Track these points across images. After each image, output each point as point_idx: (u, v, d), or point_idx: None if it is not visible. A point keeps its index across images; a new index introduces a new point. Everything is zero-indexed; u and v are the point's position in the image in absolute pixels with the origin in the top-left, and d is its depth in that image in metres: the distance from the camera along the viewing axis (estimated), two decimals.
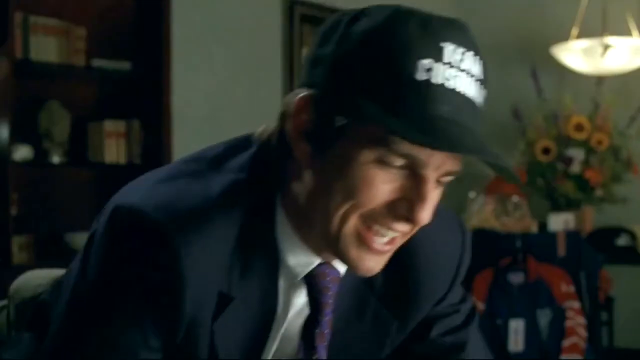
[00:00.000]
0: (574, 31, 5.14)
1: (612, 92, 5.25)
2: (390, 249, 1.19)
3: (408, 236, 1.20)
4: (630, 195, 5.21)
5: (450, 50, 1.10)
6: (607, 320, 5.11)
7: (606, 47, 4.79)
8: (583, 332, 4.23)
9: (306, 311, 1.29)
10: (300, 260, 1.25)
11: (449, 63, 1.09)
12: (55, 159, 3.99)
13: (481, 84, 1.15)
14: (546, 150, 5.21)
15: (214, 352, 1.22)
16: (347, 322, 1.33)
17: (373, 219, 1.13)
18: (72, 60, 4.01)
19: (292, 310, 1.30)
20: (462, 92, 1.10)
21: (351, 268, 1.20)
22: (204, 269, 1.15)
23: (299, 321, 1.30)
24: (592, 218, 5.24)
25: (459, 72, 1.10)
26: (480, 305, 4.27)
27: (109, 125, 4.13)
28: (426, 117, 1.07)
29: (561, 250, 4.30)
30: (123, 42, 4.27)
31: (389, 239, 1.17)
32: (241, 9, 4.81)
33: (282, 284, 1.26)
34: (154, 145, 4.20)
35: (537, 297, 4.23)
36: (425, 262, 1.37)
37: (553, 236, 4.39)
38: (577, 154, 5.12)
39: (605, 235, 5.02)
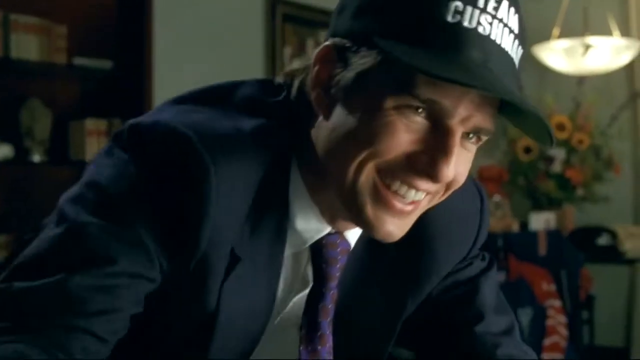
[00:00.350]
0: (555, 31, 5.16)
1: (593, 92, 5.28)
2: (413, 212, 1.10)
3: (433, 201, 1.12)
4: (611, 194, 5.24)
5: None
6: (588, 318, 5.13)
7: (587, 46, 4.81)
8: (564, 331, 4.25)
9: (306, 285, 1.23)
10: (311, 225, 1.18)
11: (483, 8, 1.02)
12: (37, 157, 3.97)
13: (518, 39, 1.07)
14: (527, 150, 5.23)
15: (217, 312, 1.14)
16: (354, 297, 1.26)
17: (391, 173, 1.06)
18: (54, 59, 3.99)
19: (298, 279, 1.23)
20: (496, 41, 1.04)
21: (368, 230, 1.11)
22: (228, 201, 1.08)
23: (305, 293, 1.24)
24: (573, 217, 5.26)
25: (493, 19, 1.03)
26: None
27: (91, 123, 4.11)
28: (455, 58, 1.01)
29: (542, 249, 4.32)
30: (105, 41, 4.26)
31: (410, 200, 1.08)
32: (223, 8, 4.80)
33: (288, 249, 1.19)
34: None
35: (518, 296, 4.25)
36: (442, 234, 1.29)
37: (534, 235, 4.41)
38: (559, 153, 5.14)
39: (586, 235, 5.04)
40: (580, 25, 5.07)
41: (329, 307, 1.23)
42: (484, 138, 1.10)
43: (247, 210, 1.11)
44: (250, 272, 1.14)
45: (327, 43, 1.10)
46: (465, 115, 1.03)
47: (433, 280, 1.32)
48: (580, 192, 5.21)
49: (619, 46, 4.94)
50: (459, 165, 1.07)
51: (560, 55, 5.00)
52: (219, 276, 1.12)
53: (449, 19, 1.01)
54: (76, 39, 4.13)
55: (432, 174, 1.04)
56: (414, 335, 1.38)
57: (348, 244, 1.21)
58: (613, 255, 4.97)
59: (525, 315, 4.24)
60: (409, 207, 1.09)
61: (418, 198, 1.09)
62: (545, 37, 5.21)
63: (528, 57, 5.39)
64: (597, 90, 5.31)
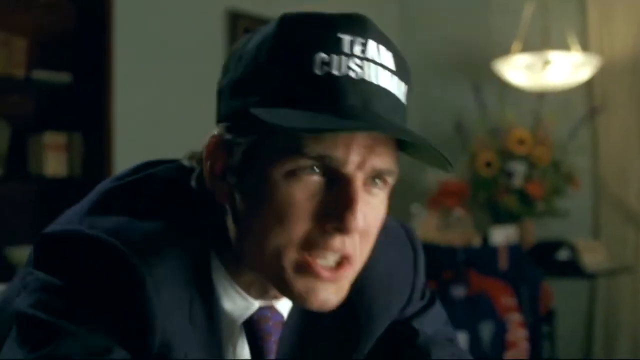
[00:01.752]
0: (516, 46, 5.19)
1: (553, 107, 5.31)
2: (344, 276, 1.07)
3: (360, 257, 1.09)
4: (571, 209, 5.27)
5: (349, 41, 1.03)
6: (549, 332, 5.15)
7: (547, 62, 4.84)
8: (524, 345, 4.26)
9: None
10: (237, 304, 1.16)
11: (349, 54, 1.02)
12: None
13: (397, 75, 1.07)
14: (488, 164, 5.25)
15: None
16: None
17: (307, 242, 1.03)
18: (12, 72, 3.96)
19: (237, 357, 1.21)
20: (372, 82, 1.03)
21: (303, 304, 1.08)
22: (167, 303, 1.06)
23: None
24: (534, 231, 5.29)
25: (363, 61, 1.03)
26: None
27: (50, 137, 4.07)
28: (334, 109, 1.00)
29: (503, 263, 4.34)
30: (64, 54, 4.23)
31: (335, 264, 1.06)
32: (184, 21, 4.78)
33: (223, 331, 1.16)
34: (95, 158, 4.15)
35: (479, 310, 4.26)
36: (377, 293, 1.27)
37: (495, 249, 4.42)
38: (519, 168, 5.17)
39: (546, 249, 5.06)
40: (541, 41, 5.11)
41: None
42: (390, 179, 1.09)
43: (186, 306, 1.09)
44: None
45: (212, 134, 1.10)
46: (359, 160, 1.02)
47: (374, 337, 1.31)
48: (540, 206, 5.24)
49: (578, 62, 4.97)
50: (368, 212, 1.05)
51: (520, 70, 5.03)
52: None
53: (317, 72, 1.01)
54: (35, 52, 4.09)
55: (341, 228, 1.01)
56: None
57: (281, 316, 1.20)
58: (573, 269, 4.99)
59: (486, 329, 4.25)
60: (339, 272, 1.06)
61: (338, 258, 1.06)
62: (506, 52, 5.24)
63: (480, 76, 5.44)
64: (557, 105, 5.35)
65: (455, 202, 5.17)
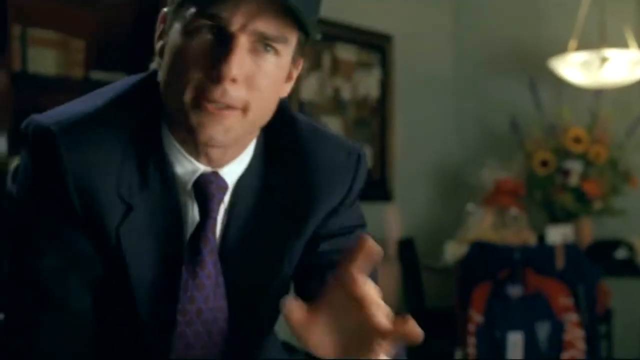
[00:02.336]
0: (572, 44, 5.15)
1: (610, 105, 5.26)
2: (230, 117, 1.25)
3: (252, 111, 1.26)
4: (629, 207, 5.21)
5: None
6: (606, 333, 5.10)
7: (604, 59, 4.79)
8: (582, 345, 4.22)
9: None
10: (186, 168, 1.35)
11: None
12: None
13: None
14: (544, 163, 5.21)
15: (122, 257, 1.33)
16: (244, 232, 1.40)
17: (201, 86, 1.23)
18: (70, 73, 4.01)
19: (192, 221, 1.39)
20: None
21: (196, 136, 1.27)
22: (90, 171, 1.29)
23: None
24: (591, 230, 5.24)
25: None
26: (479, 318, 4.26)
27: None
28: None
29: (560, 262, 4.30)
30: (121, 54, 4.27)
31: (224, 105, 1.23)
32: None
33: (181, 194, 1.37)
34: None
35: (535, 310, 4.23)
36: (321, 178, 1.45)
37: (551, 249, 4.38)
38: (576, 166, 5.12)
39: (603, 248, 5.01)
40: (597, 38, 5.05)
41: (209, 236, 1.37)
42: (282, 48, 1.26)
43: (122, 168, 1.31)
44: (147, 218, 1.34)
45: (163, 9, 1.36)
46: (244, 22, 1.20)
47: (314, 218, 1.47)
48: (597, 205, 5.18)
49: (635, 59, 4.91)
50: (255, 73, 1.24)
51: (577, 68, 4.99)
52: (114, 222, 1.32)
53: None
54: (93, 53, 4.15)
55: (218, 74, 1.21)
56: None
57: (223, 181, 1.37)
58: (631, 268, 4.93)
59: (543, 329, 4.22)
60: (225, 111, 1.24)
61: (230, 102, 1.23)
62: (562, 49, 5.20)
63: (535, 74, 5.40)
64: (614, 103, 5.29)
65: (511, 200, 5.14)
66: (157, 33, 1.35)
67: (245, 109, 1.26)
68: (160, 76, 1.31)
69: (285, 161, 1.42)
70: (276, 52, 1.25)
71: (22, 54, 3.84)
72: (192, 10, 1.22)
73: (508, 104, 5.88)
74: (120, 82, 1.44)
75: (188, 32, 1.23)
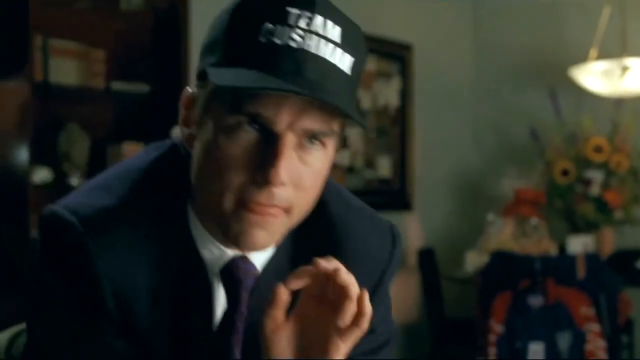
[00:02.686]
0: (593, 52, 5.14)
1: (631, 114, 5.24)
2: (274, 220, 1.18)
3: (295, 211, 1.20)
4: None
5: (295, 15, 1.14)
6: (628, 343, 5.07)
7: (625, 68, 4.77)
8: (603, 355, 4.20)
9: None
10: (214, 253, 1.29)
11: (293, 25, 1.13)
12: (75, 181, 4.00)
13: (340, 47, 1.17)
14: (565, 172, 5.19)
15: (149, 344, 1.27)
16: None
17: (243, 189, 1.15)
18: (91, 83, 4.03)
19: (220, 305, 1.33)
20: (309, 51, 1.14)
21: (237, 245, 1.21)
22: (124, 272, 1.22)
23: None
24: (612, 240, 5.22)
25: (306, 33, 1.14)
26: (499, 328, 4.24)
27: (128, 147, 4.14)
28: (269, 72, 1.12)
29: (581, 272, 4.28)
30: (142, 65, 4.29)
31: (268, 208, 1.17)
32: None
33: (210, 278, 1.30)
34: None
35: (556, 320, 4.21)
36: (351, 260, 1.32)
37: (572, 258, 4.36)
38: (596, 176, 5.10)
39: (625, 258, 4.99)
40: (618, 47, 5.04)
41: (237, 325, 1.32)
42: (328, 140, 1.19)
43: (150, 258, 1.25)
44: (174, 305, 1.28)
45: (186, 88, 1.27)
46: (290, 120, 1.13)
47: None
48: (618, 214, 5.16)
49: None
50: (301, 169, 1.18)
51: (597, 77, 4.97)
52: (146, 317, 1.26)
53: (262, 39, 1.13)
54: (114, 64, 4.17)
55: (266, 180, 1.13)
56: None
57: (253, 267, 1.31)
58: None
59: (564, 339, 4.21)
60: (269, 214, 1.17)
61: (276, 202, 1.17)
62: (583, 58, 5.19)
63: (555, 83, 5.39)
64: (635, 112, 5.27)
65: (531, 210, 5.12)
66: (181, 116, 1.27)
67: (289, 209, 1.19)
68: (193, 171, 1.23)
69: (314, 242, 1.34)
70: (322, 144, 1.18)
71: (43, 65, 3.86)
72: (230, 106, 1.14)
73: (528, 113, 5.87)
74: (139, 160, 1.35)
75: (225, 129, 1.15)
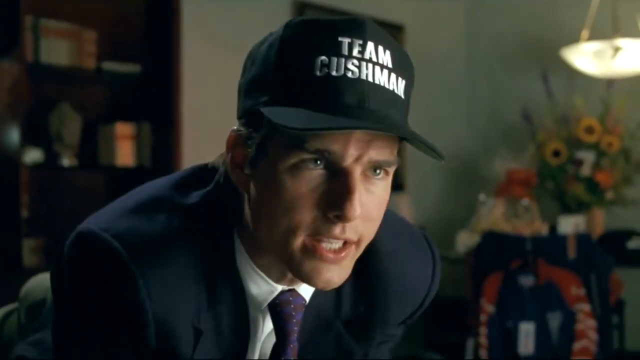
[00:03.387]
0: (584, 34, 5.13)
1: (622, 95, 5.24)
2: (347, 257, 1.17)
3: (363, 241, 1.19)
4: None
5: (347, 44, 1.11)
6: (618, 323, 5.09)
7: (616, 49, 4.77)
8: (594, 335, 4.22)
9: (274, 338, 1.31)
10: (262, 288, 1.27)
11: (348, 55, 1.11)
12: (66, 161, 4.00)
13: (394, 72, 1.15)
14: (556, 153, 5.20)
15: None
16: (309, 347, 1.34)
17: (314, 229, 1.13)
18: (83, 64, 4.03)
19: (264, 335, 1.32)
20: (367, 80, 1.11)
21: (309, 283, 1.18)
22: (165, 301, 1.19)
23: (270, 345, 1.32)
24: (603, 221, 5.23)
25: (361, 62, 1.11)
26: (490, 308, 4.26)
27: (120, 128, 4.14)
28: (330, 107, 1.09)
29: (572, 253, 4.29)
30: (133, 45, 4.28)
31: (339, 247, 1.15)
32: (251, 12, 4.81)
33: (251, 311, 1.29)
34: (164, 148, 4.21)
35: (547, 300, 4.23)
36: (395, 292, 1.37)
37: (563, 239, 4.38)
38: (588, 157, 5.11)
39: (615, 238, 5.01)
40: (610, 28, 5.04)
41: (290, 358, 1.30)
42: (391, 169, 1.18)
43: (195, 292, 1.22)
44: (216, 342, 1.26)
45: (232, 128, 1.22)
46: (357, 154, 1.11)
47: (382, 332, 1.41)
48: (609, 195, 5.18)
49: None
50: (369, 200, 1.15)
51: (589, 58, 4.97)
52: (187, 352, 1.24)
53: (318, 73, 1.10)
54: (105, 44, 4.16)
55: (341, 217, 1.10)
56: None
57: (302, 299, 1.29)
58: None
59: (555, 319, 4.22)
60: (342, 254, 1.16)
61: (347, 238, 1.15)
62: (574, 39, 5.19)
63: (547, 64, 5.39)
64: (626, 92, 5.27)
65: (522, 191, 5.13)
66: (229, 158, 1.22)
67: (359, 242, 1.18)
68: (251, 211, 1.20)
69: (359, 270, 1.28)
70: (386, 173, 1.18)
71: (34, 45, 3.86)
72: (293, 143, 1.10)
73: (520, 94, 5.87)
74: (183, 187, 1.30)
75: (289, 167, 1.12)
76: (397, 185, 5.78)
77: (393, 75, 1.14)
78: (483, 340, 4.27)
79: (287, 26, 1.16)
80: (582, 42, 5.07)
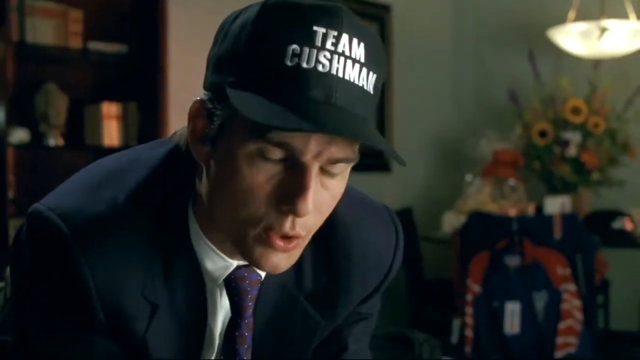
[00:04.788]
0: (571, 14, 5.14)
1: (609, 75, 5.26)
2: (295, 248, 1.17)
3: (313, 230, 1.19)
4: (627, 178, 5.23)
5: (322, 34, 1.08)
6: (603, 303, 5.13)
7: (603, 30, 4.78)
8: (579, 315, 4.24)
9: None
10: (217, 264, 1.27)
11: (320, 46, 1.08)
12: (52, 141, 3.98)
13: (366, 67, 1.12)
14: (543, 133, 5.22)
15: (148, 355, 1.26)
16: (272, 323, 1.34)
17: (269, 225, 1.13)
18: (69, 43, 4.01)
19: (221, 312, 1.32)
20: (338, 75, 1.09)
21: (257, 266, 1.20)
22: (113, 276, 1.20)
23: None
24: (589, 201, 5.26)
25: (333, 55, 1.09)
26: (476, 288, 4.28)
27: (106, 107, 4.13)
28: (297, 100, 1.07)
29: (557, 233, 4.31)
30: (120, 25, 4.27)
31: (291, 236, 1.15)
32: None
33: (208, 286, 1.29)
34: (150, 128, 4.20)
35: (533, 280, 4.25)
36: (357, 261, 1.37)
37: (549, 219, 4.40)
38: (574, 137, 5.13)
39: (601, 218, 5.03)
40: (597, 9, 5.05)
41: (245, 334, 1.31)
42: (351, 164, 1.16)
43: (146, 267, 1.22)
44: (172, 315, 1.26)
45: (196, 99, 1.19)
46: (317, 150, 1.09)
47: (347, 309, 1.41)
48: (595, 175, 5.20)
49: (635, 29, 4.91)
50: (323, 194, 1.14)
51: (576, 38, 4.98)
52: (142, 325, 1.24)
53: (288, 62, 1.07)
54: (91, 24, 4.14)
55: (293, 211, 1.10)
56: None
57: (257, 275, 1.29)
58: (628, 239, 4.95)
59: (541, 299, 4.24)
60: (291, 245, 1.16)
61: (298, 232, 1.14)
62: (561, 20, 5.19)
63: (534, 45, 5.40)
64: (613, 73, 5.29)
65: (509, 171, 5.15)
66: (191, 128, 1.20)
67: (308, 233, 1.18)
68: (207, 189, 1.19)
69: (318, 243, 1.30)
70: (345, 167, 1.16)
71: (20, 24, 3.83)
72: (254, 131, 1.08)
73: (507, 75, 5.88)
74: (135, 161, 1.29)
75: (248, 154, 1.10)
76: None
77: (364, 70, 1.12)
78: (469, 320, 4.30)
79: (263, 7, 1.12)
80: (568, 23, 5.07)
